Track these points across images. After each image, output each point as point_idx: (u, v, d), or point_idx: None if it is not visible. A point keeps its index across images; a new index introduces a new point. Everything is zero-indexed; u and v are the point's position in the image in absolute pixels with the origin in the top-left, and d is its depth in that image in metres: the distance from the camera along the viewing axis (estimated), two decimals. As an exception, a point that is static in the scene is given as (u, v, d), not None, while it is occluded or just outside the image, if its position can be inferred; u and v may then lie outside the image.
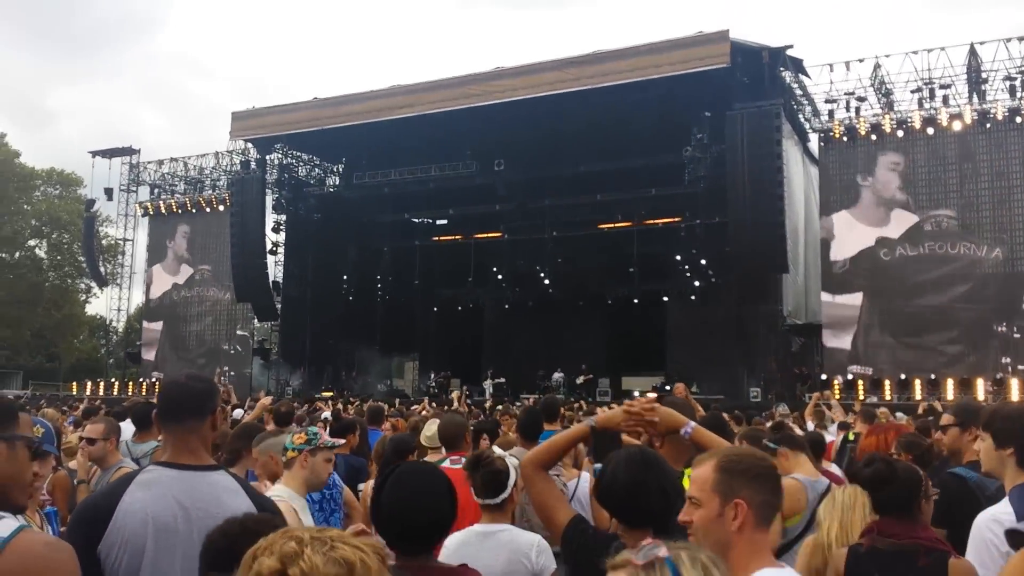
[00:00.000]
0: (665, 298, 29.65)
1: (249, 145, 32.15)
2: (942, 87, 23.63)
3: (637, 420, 2.78)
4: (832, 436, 10.06)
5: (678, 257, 28.16)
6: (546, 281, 30.91)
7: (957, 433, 4.74)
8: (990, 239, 22.59)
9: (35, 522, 3.15)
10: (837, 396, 20.50)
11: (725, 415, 11.78)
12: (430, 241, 33.30)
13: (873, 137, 24.16)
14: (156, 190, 35.97)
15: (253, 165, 31.44)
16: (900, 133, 23.91)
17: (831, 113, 24.86)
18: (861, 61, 24.29)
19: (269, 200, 31.24)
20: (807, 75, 24.79)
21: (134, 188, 36.73)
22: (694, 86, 23.27)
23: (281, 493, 3.93)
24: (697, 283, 27.94)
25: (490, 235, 31.08)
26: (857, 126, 24.29)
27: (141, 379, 33.65)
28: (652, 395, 2.75)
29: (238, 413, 11.34)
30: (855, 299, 23.72)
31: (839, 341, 23.68)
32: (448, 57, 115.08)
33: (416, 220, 33.63)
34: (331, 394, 24.90)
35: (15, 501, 2.21)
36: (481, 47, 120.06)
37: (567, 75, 24.79)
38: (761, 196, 21.90)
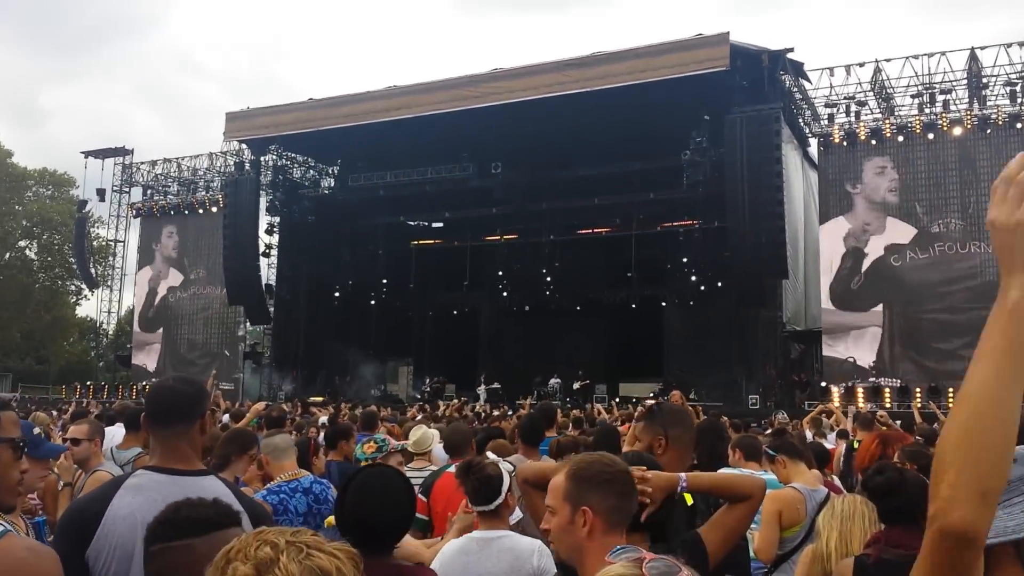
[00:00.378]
0: (663, 303, 29.47)
1: (243, 146, 31.97)
2: (943, 92, 23.58)
3: None
4: (831, 444, 9.91)
5: (676, 262, 27.98)
6: (543, 285, 30.69)
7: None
8: (991, 242, 22.36)
9: (20, 527, 3.06)
10: (837, 404, 20.38)
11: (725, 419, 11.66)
12: (426, 244, 33.05)
13: (873, 142, 24.03)
14: (149, 191, 35.70)
15: (247, 166, 31.21)
16: (900, 138, 23.78)
17: (831, 117, 24.74)
18: (861, 65, 24.25)
19: (263, 202, 31.10)
20: (807, 79, 24.69)
21: (127, 189, 36.47)
22: (693, 89, 23.12)
23: None
24: (696, 288, 27.72)
25: (487, 239, 30.86)
26: (857, 131, 24.16)
27: (132, 383, 33.32)
28: (642, 472, 2.55)
29: (225, 418, 11.10)
30: (870, 311, 23.50)
31: (840, 345, 23.46)
32: (447, 61, 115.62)
33: (412, 223, 33.42)
34: (320, 399, 24.64)
35: (1, 502, 2.26)
36: (480, 51, 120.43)
37: (565, 77, 24.62)
38: (760, 201, 21.73)
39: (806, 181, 27.14)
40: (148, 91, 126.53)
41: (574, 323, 31.23)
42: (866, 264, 23.66)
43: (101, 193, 36.39)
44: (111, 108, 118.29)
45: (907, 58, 23.77)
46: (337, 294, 32.84)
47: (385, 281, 33.13)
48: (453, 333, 33.80)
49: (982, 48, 23.21)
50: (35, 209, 48.60)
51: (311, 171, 33.80)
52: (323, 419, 13.10)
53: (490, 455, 4.30)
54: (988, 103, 23.39)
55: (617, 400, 24.60)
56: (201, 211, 33.63)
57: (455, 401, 20.61)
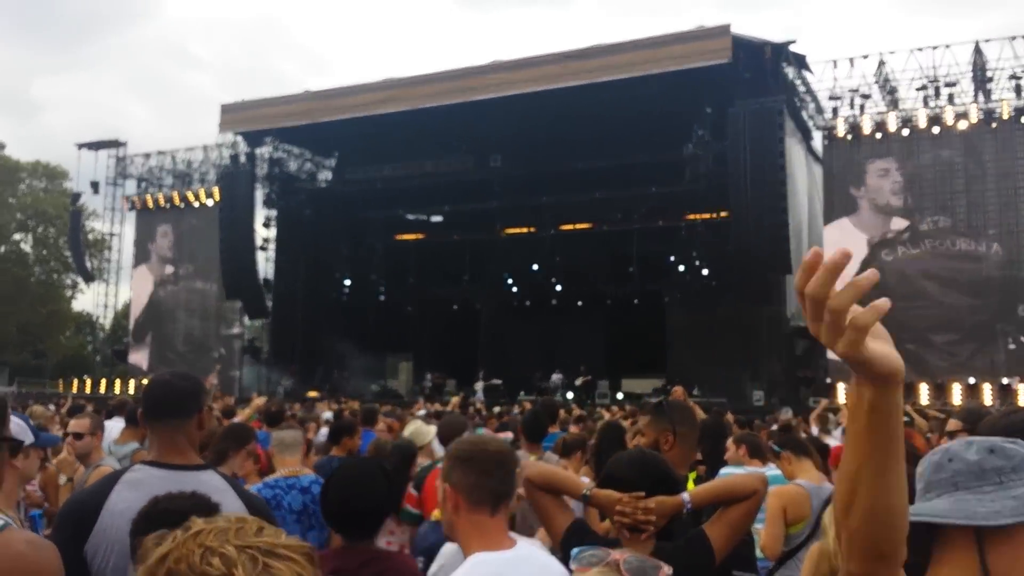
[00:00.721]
0: (666, 298, 29.25)
1: (239, 138, 31.68)
2: (947, 85, 23.38)
3: (633, 519, 2.56)
4: (837, 441, 9.78)
5: (678, 256, 27.78)
6: (543, 280, 30.48)
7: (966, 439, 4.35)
8: (995, 238, 22.29)
9: (15, 520, 2.94)
10: (842, 400, 20.22)
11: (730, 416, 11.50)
12: (424, 238, 32.82)
13: (877, 136, 23.82)
14: (143, 184, 35.39)
15: (243, 159, 30.99)
16: (905, 132, 23.59)
17: (835, 111, 24.53)
18: (865, 58, 24.08)
19: (259, 195, 30.86)
20: (810, 71, 24.56)
21: (121, 181, 36.13)
22: (695, 82, 22.95)
23: None
24: (698, 283, 27.51)
25: (486, 233, 30.65)
26: (861, 124, 23.94)
27: (129, 377, 33.10)
28: (645, 503, 2.46)
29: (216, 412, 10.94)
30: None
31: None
32: (447, 54, 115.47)
33: (410, 216, 33.18)
34: (316, 394, 24.44)
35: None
36: (482, 44, 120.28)
37: (566, 69, 24.44)
38: (764, 195, 21.56)
39: (810, 175, 26.94)
40: (142, 82, 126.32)
41: (575, 318, 31.02)
42: (855, 266, 23.41)
43: (95, 186, 36.05)
44: (104, 100, 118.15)
45: (911, 51, 23.62)
46: (335, 288, 32.65)
47: (384, 275, 32.91)
48: (453, 328, 33.55)
49: (987, 41, 23.07)
50: (29, 202, 48.41)
51: (308, 164, 33.55)
52: (327, 414, 12.94)
53: None
54: (993, 97, 23.22)
55: (621, 396, 24.48)
56: (196, 204, 33.32)
57: (455, 397, 20.42)
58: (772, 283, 23.32)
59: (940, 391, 20.96)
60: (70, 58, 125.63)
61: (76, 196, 37.95)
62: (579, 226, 29.83)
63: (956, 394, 21.08)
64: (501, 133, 27.01)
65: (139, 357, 33.98)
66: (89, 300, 56.35)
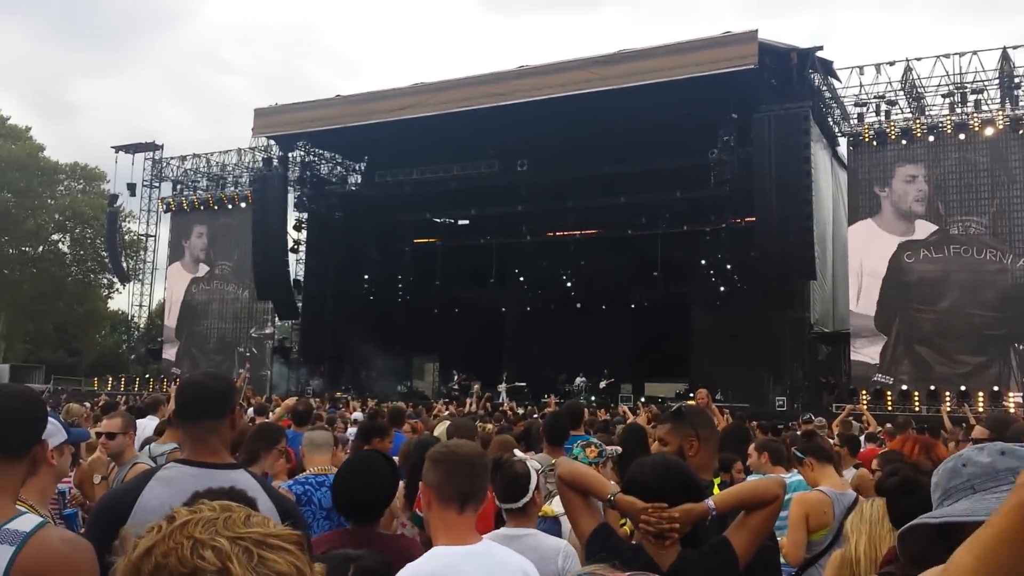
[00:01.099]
0: (689, 303, 29.36)
1: (271, 142, 32.21)
2: (974, 92, 23.26)
3: (657, 528, 2.59)
4: (859, 448, 9.87)
5: (703, 261, 27.86)
6: (568, 284, 30.67)
7: (993, 447, 4.48)
8: (1020, 247, 22.14)
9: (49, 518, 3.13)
10: (865, 406, 20.24)
11: (754, 423, 11.63)
12: (452, 241, 33.12)
13: (903, 142, 23.76)
14: (178, 186, 36.06)
15: (275, 162, 31.50)
16: (931, 138, 23.51)
17: (860, 117, 24.50)
18: (892, 64, 23.98)
19: (291, 198, 31.28)
20: (836, 78, 24.49)
21: (157, 184, 36.85)
22: (721, 87, 22.98)
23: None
24: (722, 288, 27.58)
25: (513, 236, 30.88)
26: (887, 130, 23.90)
27: (162, 376, 33.70)
28: (669, 513, 2.64)
29: (250, 412, 11.20)
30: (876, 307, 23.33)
31: (866, 352, 23.27)
32: (475, 60, 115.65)
33: (438, 220, 33.50)
34: (341, 395, 24.77)
35: None
36: (509, 50, 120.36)
37: (592, 75, 24.55)
38: (789, 200, 21.58)
39: (835, 181, 26.91)
40: (178, 86, 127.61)
41: (599, 322, 31.17)
42: (881, 267, 23.42)
43: (132, 187, 36.81)
44: (141, 103, 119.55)
45: (938, 57, 23.50)
46: (364, 290, 33.05)
47: (411, 277, 33.28)
48: (478, 330, 33.85)
49: (1015, 47, 22.85)
50: (67, 203, 49.11)
51: (338, 167, 34.01)
52: (356, 415, 13.21)
53: (518, 453, 4.27)
54: (1020, 103, 23.05)
55: (643, 400, 24.58)
56: (230, 207, 33.92)
57: (479, 397, 20.66)
58: (796, 288, 23.29)
59: (963, 398, 20.88)
60: (108, 62, 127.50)
61: (113, 197, 38.64)
62: (604, 230, 29.97)
63: (980, 401, 20.98)
64: (528, 138, 27.19)
65: (172, 356, 34.60)
66: (124, 300, 57.09)
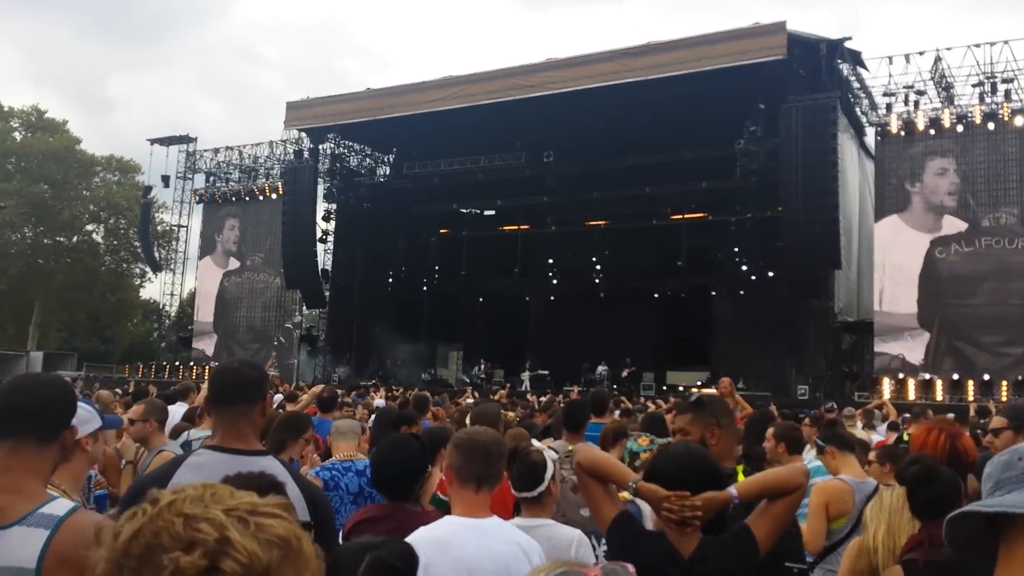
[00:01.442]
0: (713, 292, 29.32)
1: (303, 135, 32.51)
2: (1004, 81, 22.99)
3: (680, 516, 2.61)
4: (880, 436, 9.96)
5: (728, 252, 27.79)
6: (593, 274, 30.73)
7: (1011, 436, 4.55)
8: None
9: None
10: (888, 396, 20.18)
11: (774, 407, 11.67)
12: (478, 232, 33.31)
13: (931, 132, 23.55)
14: (211, 178, 36.53)
15: (306, 154, 31.80)
16: (960, 128, 23.28)
17: (889, 107, 24.31)
18: (921, 54, 23.70)
19: (320, 189, 31.59)
20: (865, 68, 24.32)
21: (190, 176, 37.38)
22: (748, 78, 22.88)
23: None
24: (746, 278, 27.53)
25: (538, 227, 30.98)
26: (915, 120, 23.69)
27: (191, 363, 34.20)
28: (691, 500, 2.70)
29: (277, 398, 11.42)
30: (911, 303, 23.14)
31: (891, 343, 23.14)
32: (506, 53, 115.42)
33: (465, 211, 33.68)
34: (367, 383, 25.02)
35: None
36: (539, 43, 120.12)
37: (619, 67, 24.56)
38: (815, 190, 21.51)
39: (862, 171, 26.73)
40: (211, 81, 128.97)
41: (623, 311, 31.21)
42: (910, 261, 23.22)
43: (165, 179, 37.37)
44: (175, 97, 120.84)
45: (968, 46, 23.23)
46: (390, 279, 33.32)
47: (437, 267, 33.50)
48: (502, 319, 34.03)
49: (1047, 36, 22.58)
50: (102, 194, 49.75)
51: (367, 159, 34.31)
52: (379, 402, 13.44)
53: (535, 442, 4.24)
54: (1052, 93, 22.82)
55: (665, 388, 24.65)
56: (261, 198, 34.33)
57: (502, 392, 20.82)
58: (820, 278, 23.20)
59: (988, 388, 20.75)
60: (144, 57, 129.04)
61: (147, 189, 39.25)
62: (629, 221, 30.00)
63: (1004, 391, 20.83)
64: (555, 129, 27.26)
65: (203, 344, 35.09)
66: (156, 289, 57.92)
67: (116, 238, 50.80)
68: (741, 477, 3.03)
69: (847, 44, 23.25)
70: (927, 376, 22.38)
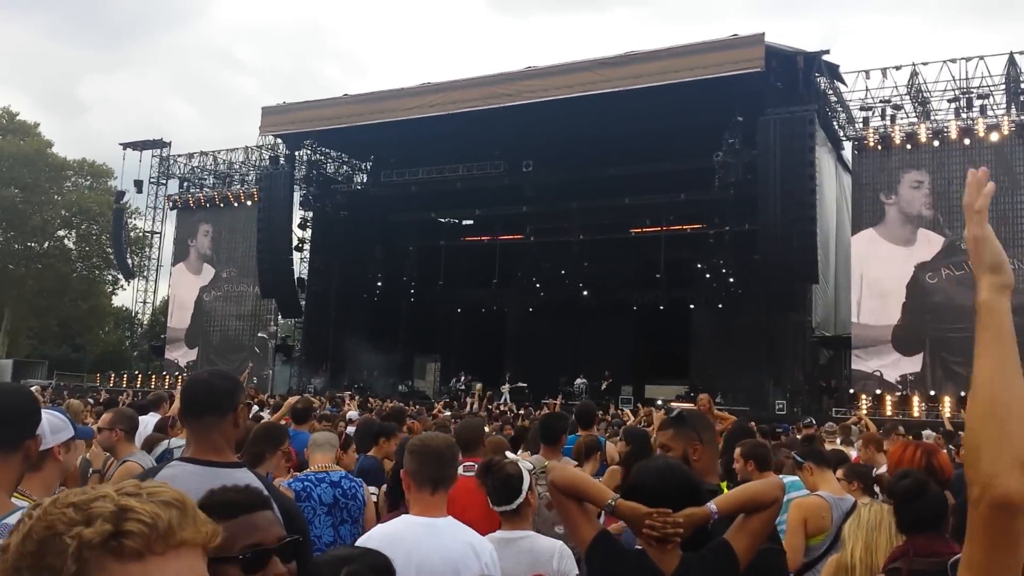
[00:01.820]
0: (692, 305, 29.36)
1: (278, 140, 32.30)
2: (980, 97, 23.25)
3: (662, 533, 2.57)
4: (857, 452, 9.91)
5: (706, 264, 27.85)
6: (571, 285, 30.70)
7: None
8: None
9: None
10: (865, 411, 20.26)
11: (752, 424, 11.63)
12: (456, 241, 33.19)
13: (908, 147, 23.75)
14: (185, 183, 36.20)
15: (282, 161, 31.59)
16: (936, 143, 23.50)
17: (866, 121, 24.51)
18: (898, 68, 23.96)
19: (297, 196, 31.34)
20: (843, 82, 24.47)
21: (164, 181, 37.01)
22: (727, 90, 22.97)
23: None
24: (724, 291, 27.60)
25: (516, 237, 30.92)
26: (892, 135, 23.89)
27: (165, 372, 33.81)
28: (674, 518, 2.64)
29: (255, 410, 11.26)
30: (888, 316, 23.22)
31: (868, 359, 23.19)
32: (483, 60, 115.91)
33: (443, 220, 33.54)
34: (341, 393, 24.83)
35: None
36: (517, 51, 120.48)
37: (598, 76, 24.59)
38: (792, 204, 21.59)
39: (839, 185, 26.89)
40: (186, 84, 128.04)
41: (601, 323, 31.19)
42: (893, 284, 23.30)
43: (139, 184, 36.97)
44: (150, 100, 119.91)
45: (944, 62, 23.48)
46: (367, 289, 33.11)
47: (415, 277, 33.34)
48: (480, 330, 33.89)
49: (1021, 53, 22.82)
50: (74, 199, 49.16)
51: (344, 166, 34.11)
52: (351, 414, 13.27)
53: (509, 454, 4.24)
54: (1027, 109, 23.05)
55: (642, 401, 24.58)
56: (236, 204, 34.06)
57: (479, 386, 20.65)
58: (798, 292, 23.30)
59: (964, 402, 20.81)
60: (117, 59, 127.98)
61: (120, 194, 38.78)
62: (608, 232, 30.02)
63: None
64: (533, 139, 27.23)
65: (175, 353, 34.69)
66: (128, 296, 57.27)
67: (88, 244, 50.19)
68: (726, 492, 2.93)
69: (825, 57, 23.39)
70: (905, 391, 22.47)
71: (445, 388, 30.29)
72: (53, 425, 2.79)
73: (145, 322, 39.98)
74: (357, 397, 20.47)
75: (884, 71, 24.01)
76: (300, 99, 30.72)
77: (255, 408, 11.87)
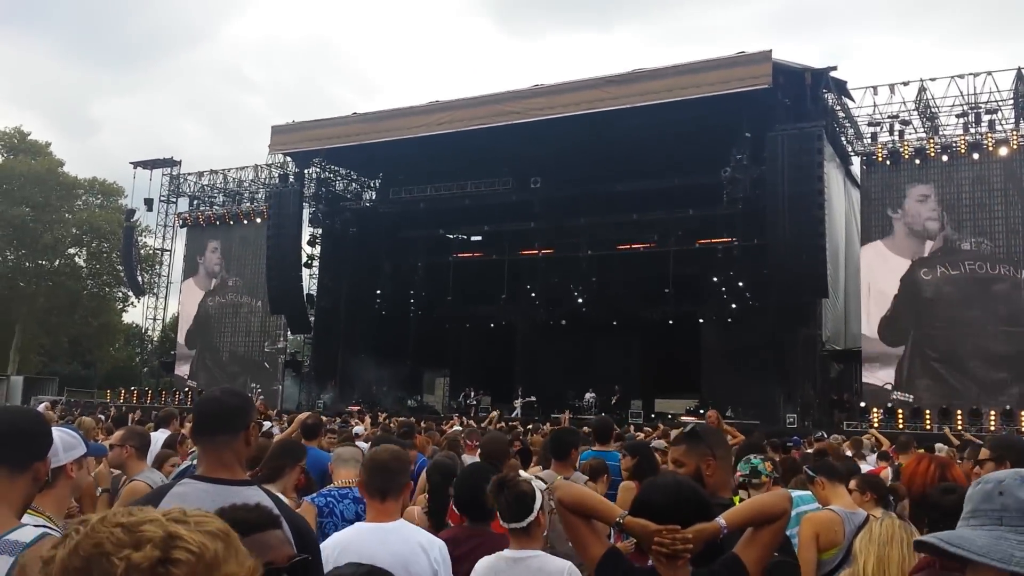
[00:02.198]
0: (701, 320, 29.32)
1: (288, 159, 32.46)
2: (988, 112, 23.24)
3: (671, 549, 2.55)
4: (870, 466, 9.89)
5: (715, 279, 27.83)
6: (580, 300, 30.70)
7: (993, 468, 4.51)
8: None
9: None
10: (877, 425, 20.18)
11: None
12: (464, 258, 33.23)
13: (917, 161, 23.74)
14: (195, 201, 36.38)
15: (291, 179, 31.74)
16: (945, 158, 23.49)
17: (874, 136, 24.51)
18: (906, 84, 23.97)
19: (306, 214, 31.48)
20: (850, 98, 24.49)
21: (174, 199, 37.19)
22: (735, 107, 23.00)
23: None
24: (733, 306, 27.57)
25: (525, 253, 30.95)
26: (900, 150, 23.89)
27: (174, 388, 33.89)
28: (683, 534, 2.64)
29: (267, 425, 11.28)
30: (888, 322, 23.28)
31: (879, 372, 23.17)
32: (491, 79, 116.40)
33: (451, 236, 33.61)
34: (355, 409, 24.87)
35: None
36: (524, 70, 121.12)
37: (606, 94, 24.66)
38: (801, 219, 21.58)
39: (848, 199, 26.89)
40: (197, 103, 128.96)
41: (610, 339, 31.18)
42: (894, 286, 23.38)
43: (149, 203, 37.15)
44: (160, 120, 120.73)
45: (952, 77, 23.48)
46: (376, 305, 33.18)
47: (423, 293, 33.39)
48: (489, 346, 33.89)
49: (1030, 67, 22.84)
50: (84, 217, 49.48)
51: (353, 184, 34.25)
52: (357, 428, 13.27)
53: (522, 472, 4.23)
54: (1035, 124, 23.06)
55: (653, 415, 24.54)
56: (246, 222, 34.22)
57: (494, 414, 20.65)
58: (807, 306, 23.28)
59: (976, 417, 20.76)
60: (129, 80, 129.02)
61: (130, 212, 38.98)
62: (616, 248, 30.03)
63: (992, 420, 20.84)
64: (541, 155, 27.29)
65: (185, 369, 34.78)
66: (138, 313, 57.45)
67: (99, 261, 50.46)
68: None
69: (832, 74, 23.42)
70: (900, 396, 22.47)
71: (454, 403, 30.26)
72: (66, 443, 2.81)
73: (155, 339, 40.12)
74: (367, 415, 20.49)
75: (892, 87, 24.04)
76: (309, 118, 30.94)
77: (267, 424, 11.89)
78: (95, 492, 5.41)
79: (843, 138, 25.99)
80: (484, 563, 3.55)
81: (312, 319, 31.79)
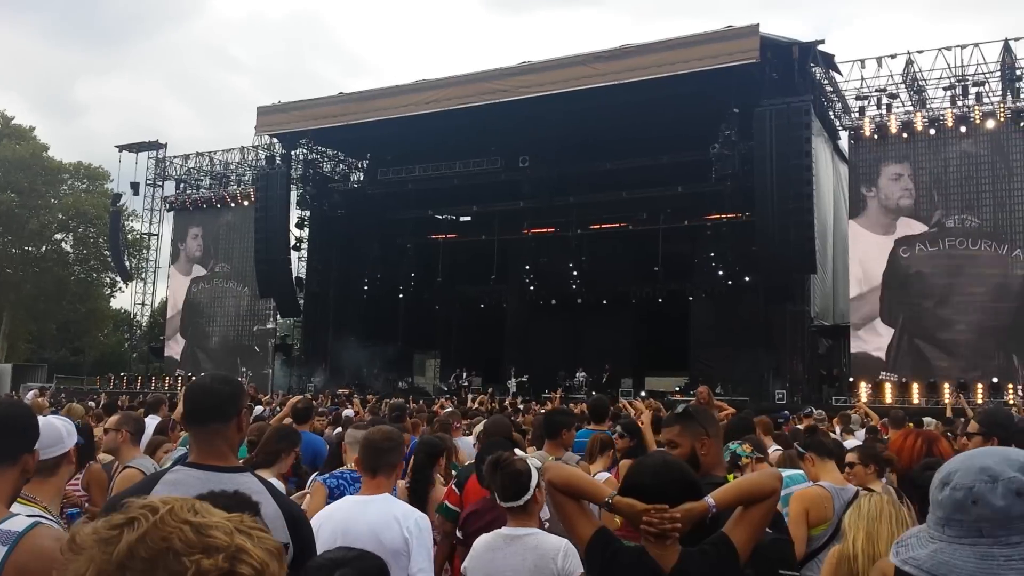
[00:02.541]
0: (690, 297, 29.39)
1: (274, 140, 32.23)
2: (975, 84, 23.20)
3: (660, 528, 2.55)
4: (859, 441, 9.91)
5: (704, 256, 27.85)
6: (570, 279, 30.72)
7: (981, 443, 4.57)
8: (1019, 239, 22.12)
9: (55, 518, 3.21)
10: (864, 399, 20.28)
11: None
12: (454, 238, 33.16)
13: (904, 135, 23.74)
14: (181, 185, 36.14)
15: (278, 160, 31.53)
16: (932, 131, 23.48)
17: (862, 110, 24.46)
18: (893, 57, 23.90)
19: (293, 196, 31.31)
20: (838, 71, 24.42)
21: (160, 183, 36.93)
22: (723, 82, 22.91)
23: None
24: (723, 282, 27.61)
25: (514, 232, 30.91)
26: (888, 124, 23.87)
27: (164, 374, 33.80)
28: (671, 513, 2.63)
29: (258, 410, 11.27)
30: (875, 301, 23.38)
31: (866, 345, 23.28)
32: (478, 57, 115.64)
33: (440, 216, 33.52)
34: (346, 391, 24.88)
35: None
36: (512, 48, 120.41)
37: (593, 70, 24.54)
38: (789, 194, 21.59)
39: (836, 174, 26.89)
40: (182, 85, 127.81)
41: (600, 317, 31.24)
42: (876, 263, 23.47)
43: (135, 187, 36.88)
44: (145, 102, 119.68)
45: (939, 50, 23.43)
46: (366, 287, 33.11)
47: (413, 274, 33.34)
48: (480, 326, 33.91)
49: (1016, 39, 22.77)
50: (70, 202, 49.08)
51: (341, 165, 34.06)
52: (348, 412, 13.26)
53: (518, 451, 4.26)
54: (1022, 95, 23.02)
55: (643, 394, 24.59)
56: (233, 205, 34.01)
57: (483, 394, 20.67)
58: (796, 282, 23.30)
59: (963, 390, 20.88)
60: (112, 61, 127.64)
61: (116, 197, 38.69)
62: (605, 226, 30.01)
63: (980, 393, 20.97)
64: (530, 134, 27.18)
65: (174, 354, 34.68)
66: (127, 298, 57.22)
67: (85, 247, 50.12)
68: None
69: (820, 47, 23.34)
70: (888, 375, 22.59)
71: (445, 384, 30.29)
72: (67, 429, 2.92)
73: (144, 324, 39.97)
74: (357, 398, 20.49)
75: (879, 60, 23.97)
76: (295, 98, 30.66)
77: (258, 409, 11.87)
78: (105, 480, 5.38)
79: (831, 112, 25.94)
80: (482, 541, 3.61)
81: (301, 302, 31.70)
